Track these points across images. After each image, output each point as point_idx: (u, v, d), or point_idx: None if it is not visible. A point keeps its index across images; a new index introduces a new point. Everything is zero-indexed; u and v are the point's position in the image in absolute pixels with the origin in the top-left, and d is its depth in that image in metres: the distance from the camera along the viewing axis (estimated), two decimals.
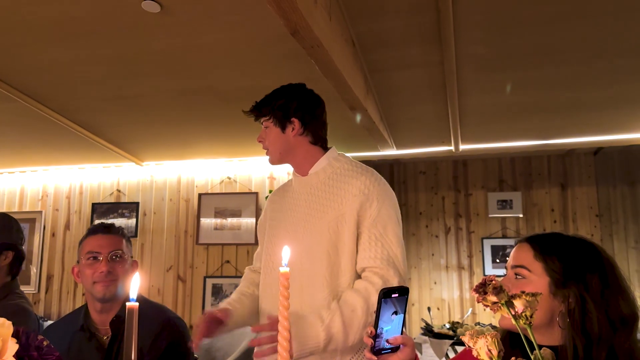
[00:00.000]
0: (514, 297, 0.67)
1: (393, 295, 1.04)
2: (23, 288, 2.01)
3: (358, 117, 2.97)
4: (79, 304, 4.52)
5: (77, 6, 2.13)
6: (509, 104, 3.32)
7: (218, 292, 4.31)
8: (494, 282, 0.67)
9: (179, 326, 1.71)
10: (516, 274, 1.14)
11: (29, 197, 4.86)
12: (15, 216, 2.11)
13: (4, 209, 4.84)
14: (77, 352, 1.64)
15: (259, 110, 1.69)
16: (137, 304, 0.69)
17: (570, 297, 1.06)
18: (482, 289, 0.66)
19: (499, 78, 2.92)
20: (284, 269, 0.88)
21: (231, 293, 1.77)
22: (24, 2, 2.10)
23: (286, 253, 0.93)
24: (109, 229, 1.74)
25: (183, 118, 3.51)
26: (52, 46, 2.48)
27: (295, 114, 1.66)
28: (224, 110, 3.29)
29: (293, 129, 1.66)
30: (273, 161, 1.74)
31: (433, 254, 5.42)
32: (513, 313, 0.66)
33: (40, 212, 4.76)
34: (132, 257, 1.77)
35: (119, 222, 4.43)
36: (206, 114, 3.41)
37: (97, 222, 4.06)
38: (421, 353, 4.07)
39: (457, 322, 4.17)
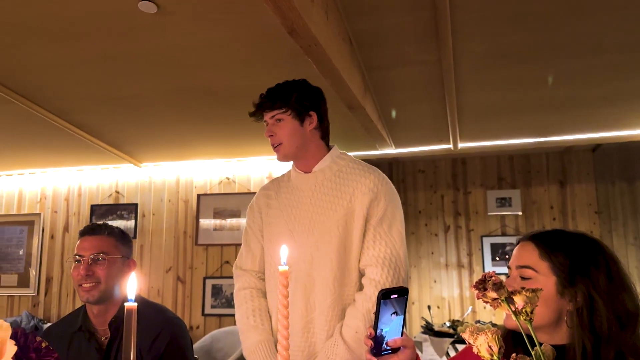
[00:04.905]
0: (514, 293, 0.67)
1: (392, 296, 1.03)
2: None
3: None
4: (78, 306, 4.50)
5: (73, 7, 2.12)
6: (507, 101, 3.32)
7: (218, 293, 4.31)
8: (493, 278, 0.67)
9: (178, 327, 1.70)
10: (522, 275, 1.12)
11: (28, 200, 4.85)
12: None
13: (2, 212, 4.83)
14: (76, 353, 1.64)
15: (273, 103, 1.64)
16: (135, 304, 0.68)
17: (578, 296, 1.04)
18: (482, 285, 0.66)
19: (497, 75, 2.92)
20: (283, 268, 0.87)
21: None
22: (20, 3, 2.09)
23: (284, 252, 0.92)
24: (94, 230, 1.70)
25: (180, 118, 3.51)
26: (49, 47, 2.47)
27: (313, 107, 1.66)
28: (221, 110, 3.28)
29: (311, 122, 1.65)
30: (286, 156, 1.67)
31: (433, 253, 5.42)
32: (513, 309, 0.66)
33: (39, 214, 4.75)
34: (128, 257, 1.74)
35: (117, 223, 4.42)
36: (204, 114, 3.40)
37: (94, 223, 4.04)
38: (422, 352, 4.07)
39: (458, 321, 4.17)
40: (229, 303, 4.23)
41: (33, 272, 4.65)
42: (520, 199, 5.25)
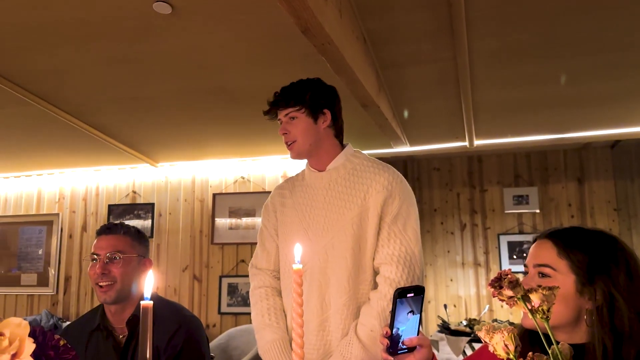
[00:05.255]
0: (530, 291, 0.66)
1: (408, 295, 1.02)
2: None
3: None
4: (96, 305, 4.55)
5: (89, 9, 2.14)
6: (523, 97, 3.29)
7: (234, 292, 4.33)
8: (509, 276, 0.66)
9: (194, 325, 1.71)
10: (540, 273, 1.10)
11: (46, 200, 4.92)
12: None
13: (21, 212, 4.91)
14: (94, 351, 1.66)
15: (287, 101, 1.65)
16: (151, 302, 0.69)
17: (597, 294, 1.03)
18: (498, 283, 0.65)
19: (512, 72, 2.88)
20: (297, 266, 0.87)
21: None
22: (38, 6, 2.12)
23: (299, 250, 0.92)
24: (110, 229, 1.72)
25: (196, 119, 3.53)
26: (66, 50, 2.50)
27: (327, 105, 1.66)
28: (235, 110, 3.30)
29: (324, 120, 1.66)
30: (300, 154, 1.67)
31: (449, 251, 5.39)
32: (530, 307, 0.65)
33: (58, 214, 4.82)
34: (144, 256, 1.75)
35: (135, 223, 4.47)
36: (218, 113, 3.42)
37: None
38: (438, 350, 4.05)
39: (474, 319, 4.14)
40: (245, 301, 4.25)
41: (52, 272, 4.72)
42: (538, 196, 5.19)
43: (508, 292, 0.65)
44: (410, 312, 1.04)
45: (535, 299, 0.64)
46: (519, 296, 0.65)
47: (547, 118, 3.72)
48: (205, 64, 2.68)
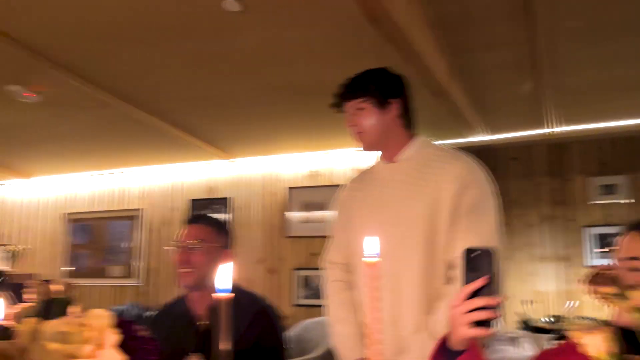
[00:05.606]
0: (631, 288, 0.60)
1: (474, 254, 0.94)
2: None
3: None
4: (178, 295, 4.75)
5: (161, 11, 2.22)
6: (609, 79, 3.06)
7: (307, 284, 4.38)
8: (608, 272, 0.60)
9: (272, 315, 1.74)
10: (636, 268, 1.00)
11: (130, 196, 5.20)
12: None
13: (105, 208, 5.23)
14: (176, 338, 1.72)
15: (353, 92, 1.62)
16: (228, 294, 0.69)
17: None
18: (595, 279, 0.59)
19: (596, 52, 2.69)
20: (369, 260, 0.85)
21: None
22: (115, 14, 2.23)
23: (370, 243, 0.89)
24: (195, 218, 1.80)
25: (269, 114, 3.59)
26: (143, 53, 2.62)
27: (394, 94, 1.62)
28: (306, 104, 3.32)
29: (393, 110, 1.61)
30: (369, 145, 1.64)
31: (528, 245, 5.15)
32: (630, 305, 0.59)
33: (141, 209, 5.08)
34: (225, 247, 1.79)
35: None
36: (290, 108, 3.46)
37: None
38: (518, 347, 3.88)
39: (559, 316, 3.93)
40: (318, 294, 4.28)
41: (137, 264, 4.99)
42: (627, 185, 4.83)
43: (606, 289, 0.59)
44: (479, 272, 0.92)
45: (637, 296, 0.58)
46: (619, 293, 0.59)
47: (635, 101, 3.44)
48: (275, 59, 2.71)
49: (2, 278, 3.44)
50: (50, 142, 4.30)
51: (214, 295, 1.68)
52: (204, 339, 1.67)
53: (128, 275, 5.01)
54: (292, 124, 3.82)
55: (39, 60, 2.65)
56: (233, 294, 0.72)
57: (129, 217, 5.10)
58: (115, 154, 4.69)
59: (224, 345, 0.72)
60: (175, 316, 1.77)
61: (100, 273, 5.15)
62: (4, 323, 1.03)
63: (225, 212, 4.78)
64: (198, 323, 1.74)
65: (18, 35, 2.42)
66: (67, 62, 2.74)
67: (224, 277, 0.72)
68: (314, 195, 4.51)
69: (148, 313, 4.46)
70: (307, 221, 4.50)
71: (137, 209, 5.10)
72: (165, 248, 4.88)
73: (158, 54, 2.65)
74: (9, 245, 5.22)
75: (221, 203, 4.83)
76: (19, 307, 1.48)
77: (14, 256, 5.09)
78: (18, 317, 1.26)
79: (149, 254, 5.01)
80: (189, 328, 1.72)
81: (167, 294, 4.82)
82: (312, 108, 3.34)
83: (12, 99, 3.09)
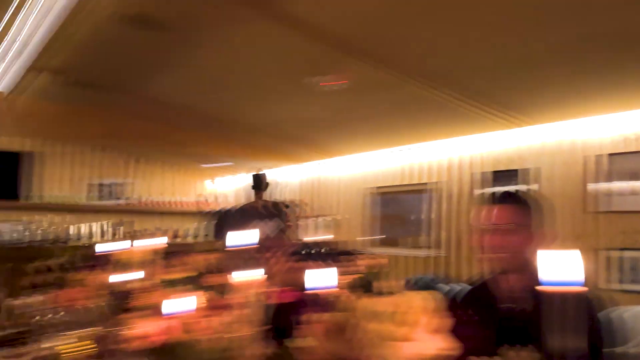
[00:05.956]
0: None
1: None
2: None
3: None
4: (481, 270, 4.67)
5: None
6: None
7: (626, 267, 3.77)
8: None
9: (598, 300, 1.54)
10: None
11: (428, 169, 5.35)
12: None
13: (406, 182, 5.51)
14: (485, 325, 1.65)
15: None
16: (580, 288, 0.59)
17: None
18: None
19: None
20: None
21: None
22: None
23: None
24: (503, 197, 1.70)
25: (574, 72, 3.19)
26: (436, 30, 2.61)
27: None
28: (623, 54, 2.81)
29: None
30: None
31: None
32: None
33: (438, 182, 5.19)
34: (539, 226, 1.64)
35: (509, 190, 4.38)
36: (605, 62, 2.99)
37: (491, 189, 4.16)
38: None
39: None
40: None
41: (437, 235, 5.12)
42: None
43: None
44: None
45: None
46: None
47: None
48: (585, 7, 2.34)
49: (324, 248, 3.98)
50: (352, 124, 4.79)
51: (526, 278, 1.55)
52: (522, 329, 1.56)
53: (428, 245, 5.19)
54: (609, 79, 3.29)
55: (337, 50, 2.90)
56: (586, 288, 0.62)
57: (425, 191, 5.27)
58: (406, 130, 4.92)
59: (572, 341, 0.62)
60: (482, 301, 1.70)
61: (401, 243, 5.47)
62: (336, 292, 1.13)
63: (526, 184, 4.47)
64: (512, 309, 1.63)
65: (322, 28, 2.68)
66: (367, 49, 2.93)
67: (574, 266, 0.62)
68: (634, 162, 3.82)
69: (452, 286, 4.53)
70: (626, 193, 3.85)
71: (436, 182, 5.22)
72: (474, 227, 4.87)
73: (451, 30, 2.62)
74: (329, 215, 6.02)
75: (521, 174, 4.53)
76: (349, 277, 1.61)
77: (332, 225, 5.90)
78: (349, 287, 1.37)
79: (449, 227, 5.08)
80: (491, 310, 1.64)
81: (469, 267, 4.80)
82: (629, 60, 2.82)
83: (315, 90, 3.51)
